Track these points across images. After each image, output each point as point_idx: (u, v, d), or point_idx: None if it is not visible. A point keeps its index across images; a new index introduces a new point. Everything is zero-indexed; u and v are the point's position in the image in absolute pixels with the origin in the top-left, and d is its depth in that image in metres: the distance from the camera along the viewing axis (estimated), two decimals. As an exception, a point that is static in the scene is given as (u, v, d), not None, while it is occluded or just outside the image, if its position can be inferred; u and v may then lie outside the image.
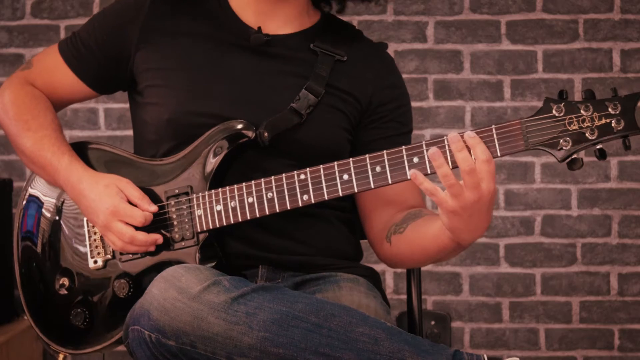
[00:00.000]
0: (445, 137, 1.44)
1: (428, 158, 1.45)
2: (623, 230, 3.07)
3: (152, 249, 1.61)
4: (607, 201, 3.06)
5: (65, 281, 1.69)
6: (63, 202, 1.74)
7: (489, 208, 1.45)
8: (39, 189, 1.77)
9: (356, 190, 1.51)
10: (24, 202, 1.78)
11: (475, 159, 1.40)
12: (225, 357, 1.38)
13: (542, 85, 3.06)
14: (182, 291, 1.41)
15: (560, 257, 3.08)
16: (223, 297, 1.39)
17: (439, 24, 3.09)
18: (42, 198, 1.76)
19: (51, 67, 1.77)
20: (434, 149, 1.40)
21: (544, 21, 3.07)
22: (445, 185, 1.40)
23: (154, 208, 1.61)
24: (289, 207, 1.55)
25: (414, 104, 3.05)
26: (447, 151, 1.43)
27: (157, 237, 1.60)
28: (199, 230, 1.60)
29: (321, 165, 1.53)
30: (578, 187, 3.06)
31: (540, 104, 3.29)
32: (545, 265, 3.09)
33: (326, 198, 1.53)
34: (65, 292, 1.69)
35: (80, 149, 1.73)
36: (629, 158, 3.00)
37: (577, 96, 3.04)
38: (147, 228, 1.60)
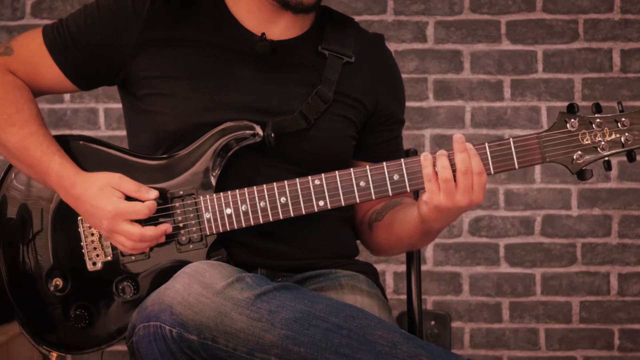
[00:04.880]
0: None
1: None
2: (623, 230, 3.07)
3: (163, 239, 1.59)
4: (607, 201, 3.06)
5: (59, 282, 1.65)
6: (50, 201, 1.67)
7: (465, 212, 1.54)
8: (22, 184, 1.70)
9: (374, 198, 1.53)
10: (3, 200, 1.69)
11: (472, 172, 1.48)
12: (246, 354, 1.39)
13: (542, 85, 3.06)
14: (206, 286, 1.41)
15: (560, 257, 3.08)
16: (247, 294, 1.40)
17: (439, 24, 3.09)
18: (25, 195, 1.69)
19: (35, 57, 1.68)
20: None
21: (544, 21, 3.07)
22: (441, 178, 1.47)
23: (154, 194, 1.58)
24: (304, 212, 1.55)
25: (414, 104, 3.07)
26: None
27: (167, 227, 1.58)
28: (207, 233, 1.59)
29: (337, 172, 1.54)
30: (578, 187, 3.06)
31: (540, 104, 3.29)
32: (545, 265, 3.09)
33: (343, 204, 1.55)
34: (60, 293, 1.65)
35: (74, 146, 1.67)
36: (629, 158, 2.99)
37: (578, 96, 3.04)
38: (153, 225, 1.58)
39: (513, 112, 3.07)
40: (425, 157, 1.49)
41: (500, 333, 3.11)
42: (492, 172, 1.49)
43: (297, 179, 1.55)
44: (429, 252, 3.10)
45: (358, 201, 1.53)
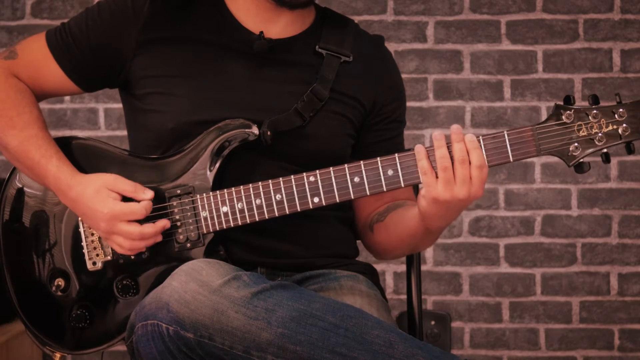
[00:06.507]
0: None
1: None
2: (623, 230, 3.07)
3: (160, 238, 1.58)
4: (607, 201, 3.06)
5: (60, 282, 1.66)
6: (52, 202, 1.68)
7: (465, 207, 1.51)
8: (25, 186, 1.71)
9: (368, 193, 1.53)
10: (6, 199, 1.71)
11: (469, 163, 1.46)
12: (242, 352, 1.38)
13: (542, 85, 3.06)
14: (203, 284, 1.41)
15: (560, 257, 3.08)
16: (243, 292, 1.40)
17: (439, 24, 3.09)
18: (28, 195, 1.70)
19: (39, 61, 1.70)
20: (438, 133, 1.47)
21: (544, 21, 3.07)
22: (440, 167, 1.46)
23: (149, 194, 1.58)
24: (299, 209, 1.55)
25: (414, 104, 3.07)
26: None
27: (165, 223, 1.58)
28: (204, 231, 1.59)
29: (331, 168, 1.54)
30: (578, 187, 3.06)
31: (540, 104, 3.29)
32: (545, 265, 3.09)
33: (337, 200, 1.54)
34: (61, 293, 1.66)
35: (75, 147, 1.68)
36: (629, 158, 2.99)
37: (578, 96, 3.04)
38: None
39: (513, 112, 3.07)
40: (419, 150, 1.48)
41: (500, 333, 3.11)
42: (487, 166, 1.48)
43: (292, 176, 1.55)
44: (429, 252, 3.10)
45: (352, 197, 1.53)
